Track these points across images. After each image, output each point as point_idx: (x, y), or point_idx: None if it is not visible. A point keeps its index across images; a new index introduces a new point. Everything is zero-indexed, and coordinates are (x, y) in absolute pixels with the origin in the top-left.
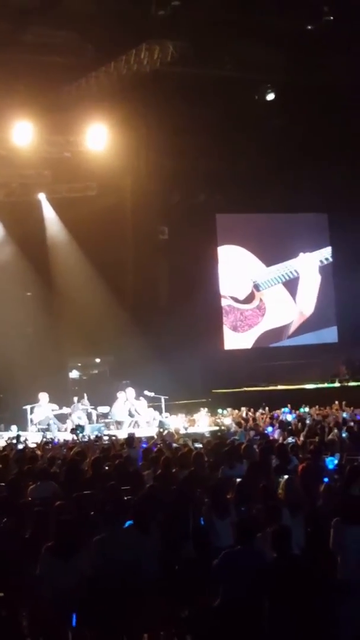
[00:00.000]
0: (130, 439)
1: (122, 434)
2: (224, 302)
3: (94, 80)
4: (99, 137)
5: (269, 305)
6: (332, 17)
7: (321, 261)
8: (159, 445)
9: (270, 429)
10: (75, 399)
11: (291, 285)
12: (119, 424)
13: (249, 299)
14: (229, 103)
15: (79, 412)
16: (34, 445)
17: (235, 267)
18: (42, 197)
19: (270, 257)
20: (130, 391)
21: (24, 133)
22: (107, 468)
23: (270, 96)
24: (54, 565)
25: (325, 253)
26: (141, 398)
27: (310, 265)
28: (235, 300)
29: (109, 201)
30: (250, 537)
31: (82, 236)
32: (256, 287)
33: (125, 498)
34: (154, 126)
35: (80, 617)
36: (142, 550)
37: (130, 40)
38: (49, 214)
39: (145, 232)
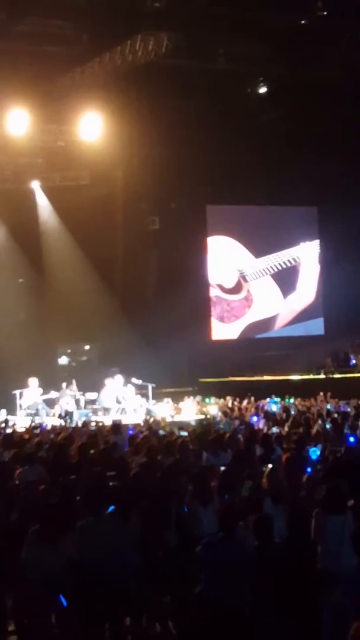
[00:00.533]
0: (117, 425)
1: (109, 421)
2: (212, 293)
3: (89, 70)
4: (92, 127)
5: (256, 296)
6: (325, 12)
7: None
8: (145, 433)
9: (255, 418)
10: (64, 384)
11: (279, 277)
12: (106, 410)
13: (237, 289)
14: (222, 96)
15: (67, 397)
16: (23, 429)
17: (224, 257)
18: (35, 185)
19: (259, 248)
20: (119, 378)
21: (19, 121)
22: (92, 453)
23: (263, 90)
24: (40, 549)
25: (313, 246)
26: (129, 385)
27: (309, 255)
28: (222, 289)
29: (101, 190)
30: (233, 526)
31: (74, 224)
32: (244, 277)
33: (111, 484)
34: (147, 117)
35: (66, 601)
36: (123, 537)
37: (125, 32)
38: (42, 202)
39: (136, 221)
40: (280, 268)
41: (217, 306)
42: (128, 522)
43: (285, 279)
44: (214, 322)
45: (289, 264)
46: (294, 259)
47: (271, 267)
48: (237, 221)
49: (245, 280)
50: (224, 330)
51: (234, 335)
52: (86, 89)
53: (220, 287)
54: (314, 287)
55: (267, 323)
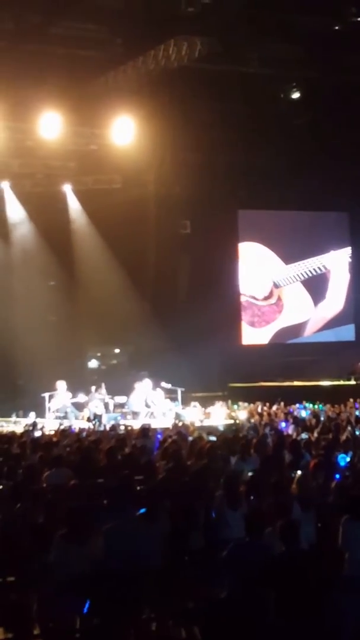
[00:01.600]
0: (145, 429)
1: (138, 424)
2: (243, 298)
3: (122, 74)
4: (125, 131)
5: (287, 302)
6: (359, 18)
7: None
8: (174, 437)
9: (284, 424)
10: (93, 388)
11: (310, 283)
12: (135, 414)
13: (268, 295)
14: (255, 100)
15: (96, 401)
16: (51, 432)
17: (255, 264)
18: (67, 188)
19: (289, 254)
20: (147, 382)
21: (51, 124)
22: (120, 457)
23: (296, 94)
24: (67, 552)
25: (345, 252)
26: (158, 389)
27: (339, 263)
28: (254, 298)
29: (132, 194)
30: (260, 530)
31: (105, 228)
32: (275, 284)
33: (139, 488)
34: (179, 121)
35: (91, 604)
36: (150, 540)
37: (159, 36)
38: (74, 206)
39: (167, 225)
40: (310, 275)
41: (248, 311)
42: (155, 523)
43: (316, 286)
44: (244, 327)
45: (319, 272)
46: (324, 267)
47: (302, 273)
48: (269, 226)
49: (277, 286)
50: (254, 335)
51: (265, 340)
52: (119, 93)
53: (253, 297)
54: (344, 295)
55: (298, 329)
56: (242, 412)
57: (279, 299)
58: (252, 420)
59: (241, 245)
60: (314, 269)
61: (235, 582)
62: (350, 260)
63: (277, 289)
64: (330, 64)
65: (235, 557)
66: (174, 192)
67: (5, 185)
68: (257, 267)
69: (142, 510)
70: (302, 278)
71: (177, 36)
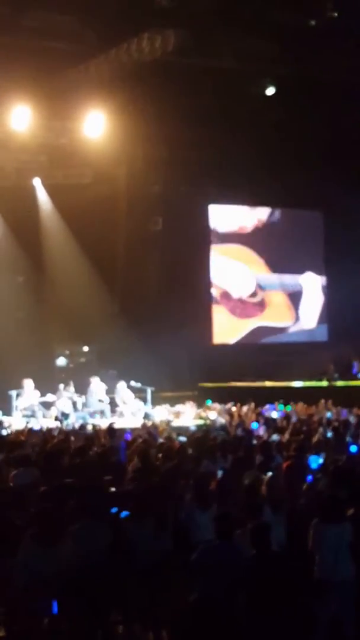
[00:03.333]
0: (112, 429)
1: (106, 424)
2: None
3: (94, 67)
4: (96, 125)
5: (270, 305)
6: (336, 14)
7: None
8: (145, 437)
9: (255, 425)
10: (61, 386)
11: (293, 297)
12: (102, 412)
13: (252, 294)
14: (229, 95)
15: (64, 399)
16: (18, 431)
17: (239, 263)
18: (37, 182)
19: (264, 250)
20: (121, 383)
21: (22, 117)
22: (88, 457)
23: (270, 90)
24: (36, 553)
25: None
26: (127, 388)
27: (313, 282)
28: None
29: (103, 189)
30: (230, 533)
31: (75, 223)
32: (260, 286)
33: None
34: (152, 116)
35: (59, 606)
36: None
37: (132, 29)
38: (43, 200)
39: (138, 221)
40: (292, 289)
41: (231, 302)
42: (141, 523)
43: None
44: (217, 325)
45: (297, 288)
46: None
47: (286, 284)
48: (241, 222)
49: (262, 289)
50: (227, 333)
51: (241, 334)
52: (91, 86)
53: (239, 295)
54: (317, 315)
55: (276, 332)
56: (212, 413)
57: (263, 300)
58: (223, 421)
59: (214, 242)
60: (295, 285)
61: (205, 585)
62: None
63: (262, 291)
64: (305, 60)
65: (205, 559)
66: (145, 188)
67: None
68: (241, 266)
69: (126, 513)
70: (287, 290)
71: (150, 29)
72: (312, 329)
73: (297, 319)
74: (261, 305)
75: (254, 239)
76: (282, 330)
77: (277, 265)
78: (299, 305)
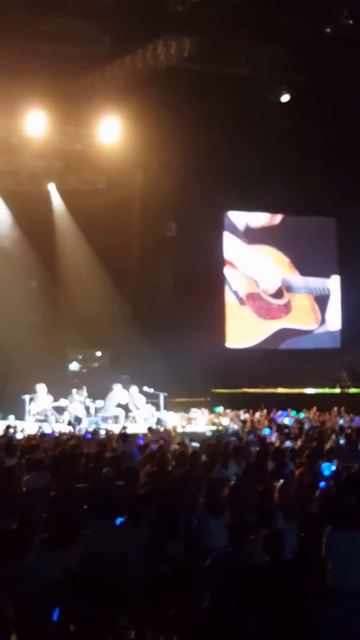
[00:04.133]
0: (125, 434)
1: (118, 429)
2: (250, 290)
3: (109, 73)
4: (111, 130)
5: (296, 308)
6: (351, 21)
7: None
8: (155, 442)
9: (267, 431)
10: (74, 391)
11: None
12: (116, 418)
13: (276, 294)
14: (243, 102)
15: (77, 404)
16: (31, 435)
17: (265, 263)
18: (51, 187)
19: (291, 256)
20: (131, 387)
21: (37, 123)
22: (101, 462)
23: (285, 97)
24: (47, 558)
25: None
26: (140, 394)
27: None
28: (265, 292)
29: (117, 195)
30: (242, 539)
31: (89, 229)
32: (286, 287)
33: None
34: (166, 122)
35: (65, 612)
36: (131, 548)
37: (147, 35)
38: (58, 205)
39: (152, 227)
40: (318, 293)
41: (257, 302)
42: (137, 531)
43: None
44: (230, 331)
45: (323, 292)
46: (327, 289)
47: (313, 288)
48: (257, 228)
49: (288, 291)
50: (240, 339)
51: (259, 339)
52: (106, 92)
53: (264, 289)
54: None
55: (299, 334)
56: (224, 419)
57: (289, 302)
58: (235, 427)
59: (226, 244)
60: (321, 289)
61: (216, 591)
62: (338, 264)
63: (288, 293)
64: (320, 67)
65: (218, 566)
66: (159, 194)
67: None
68: (267, 265)
69: (121, 519)
70: (313, 293)
71: (165, 35)
72: (336, 331)
73: (322, 321)
74: (286, 308)
75: (279, 239)
76: (306, 332)
77: (303, 267)
78: (326, 308)
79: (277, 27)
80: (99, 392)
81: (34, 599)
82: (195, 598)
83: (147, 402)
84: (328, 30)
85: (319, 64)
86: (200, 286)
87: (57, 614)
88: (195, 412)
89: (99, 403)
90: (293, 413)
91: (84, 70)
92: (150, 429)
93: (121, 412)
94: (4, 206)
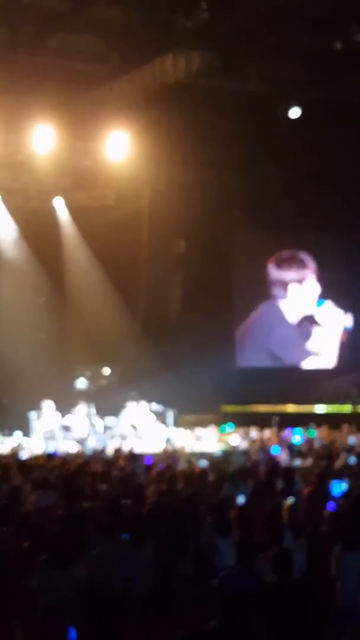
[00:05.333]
0: (134, 453)
1: (126, 447)
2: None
3: (118, 88)
4: (119, 146)
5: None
6: None
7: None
8: (164, 461)
9: (277, 449)
10: (82, 408)
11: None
12: (124, 436)
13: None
14: (254, 118)
15: (85, 421)
16: (38, 453)
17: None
18: (59, 203)
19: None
20: (140, 404)
21: (46, 138)
22: (108, 480)
23: (295, 113)
24: (50, 576)
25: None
26: (148, 411)
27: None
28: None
29: (126, 211)
30: (251, 559)
31: (97, 245)
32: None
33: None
34: (175, 138)
35: (77, 632)
36: (136, 567)
37: (156, 50)
38: (66, 221)
39: (161, 244)
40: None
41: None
42: (141, 549)
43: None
44: (240, 348)
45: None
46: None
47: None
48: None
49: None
50: (250, 356)
51: (261, 363)
52: (114, 108)
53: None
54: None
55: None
56: (233, 437)
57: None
58: (244, 446)
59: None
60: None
61: (225, 611)
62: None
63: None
64: (330, 83)
65: (227, 585)
66: (169, 210)
67: None
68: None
69: (126, 536)
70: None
71: (174, 51)
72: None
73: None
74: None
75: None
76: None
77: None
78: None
79: (287, 42)
80: (107, 409)
81: (42, 618)
82: (204, 617)
83: (156, 420)
84: (339, 45)
85: (330, 79)
86: (209, 303)
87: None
88: (204, 430)
89: (109, 420)
90: (300, 431)
91: (92, 85)
92: (161, 448)
93: (130, 430)
94: (12, 222)
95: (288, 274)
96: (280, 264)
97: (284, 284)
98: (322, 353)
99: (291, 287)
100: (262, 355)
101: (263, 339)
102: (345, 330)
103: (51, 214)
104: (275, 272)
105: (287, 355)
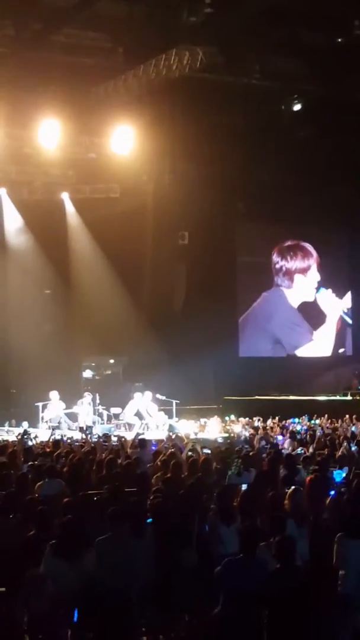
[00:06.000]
0: (142, 440)
1: (130, 436)
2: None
3: (123, 83)
4: (124, 140)
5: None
6: None
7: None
8: (169, 449)
9: (280, 438)
10: (87, 398)
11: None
12: (129, 425)
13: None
14: (256, 112)
15: (90, 411)
16: (44, 442)
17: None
18: (65, 196)
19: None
20: (147, 393)
21: (51, 132)
22: (114, 468)
23: (297, 107)
24: (56, 564)
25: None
26: (152, 401)
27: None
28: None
29: (131, 204)
30: (254, 546)
31: (102, 237)
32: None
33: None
34: (179, 132)
35: (81, 619)
36: (139, 555)
37: (161, 45)
38: (71, 214)
39: (165, 236)
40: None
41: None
42: (141, 539)
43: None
44: (243, 339)
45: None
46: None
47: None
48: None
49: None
50: (252, 346)
51: (265, 353)
52: (119, 102)
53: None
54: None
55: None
56: (236, 426)
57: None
58: (246, 434)
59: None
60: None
61: (229, 598)
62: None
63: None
64: (332, 77)
65: (230, 573)
66: (173, 203)
67: (2, 192)
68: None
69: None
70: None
71: (179, 46)
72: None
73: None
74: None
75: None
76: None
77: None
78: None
79: (289, 37)
80: (112, 399)
81: (49, 604)
82: (207, 604)
83: (159, 410)
84: (340, 40)
85: (332, 74)
86: (213, 294)
87: (76, 615)
88: (207, 420)
89: (114, 410)
90: (302, 419)
91: (97, 80)
92: (165, 436)
93: (135, 420)
94: (18, 215)
95: (293, 263)
96: (285, 253)
97: (290, 273)
98: (320, 339)
99: (297, 277)
100: (263, 342)
101: (264, 324)
102: (344, 322)
103: (57, 206)
104: (280, 262)
105: (286, 339)
